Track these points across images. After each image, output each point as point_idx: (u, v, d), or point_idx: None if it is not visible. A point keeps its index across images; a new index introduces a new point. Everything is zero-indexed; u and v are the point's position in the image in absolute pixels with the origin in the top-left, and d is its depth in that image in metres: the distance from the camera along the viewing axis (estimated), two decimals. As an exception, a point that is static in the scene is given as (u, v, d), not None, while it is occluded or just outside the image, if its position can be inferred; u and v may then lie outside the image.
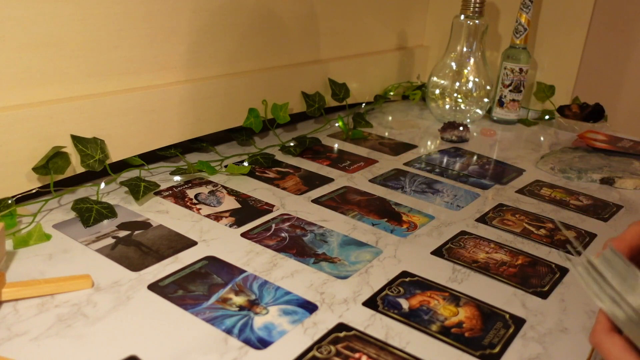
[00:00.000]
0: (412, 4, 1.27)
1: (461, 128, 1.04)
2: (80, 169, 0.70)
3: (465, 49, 1.12)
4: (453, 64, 1.13)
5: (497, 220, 0.73)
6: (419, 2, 1.30)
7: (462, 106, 1.14)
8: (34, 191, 0.67)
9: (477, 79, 1.12)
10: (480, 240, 0.67)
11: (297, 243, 0.64)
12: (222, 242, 0.63)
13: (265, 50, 0.94)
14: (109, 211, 0.67)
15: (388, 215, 0.73)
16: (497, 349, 0.49)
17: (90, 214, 0.65)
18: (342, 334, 0.49)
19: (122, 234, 0.64)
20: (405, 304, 0.54)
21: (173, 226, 0.66)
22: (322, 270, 0.59)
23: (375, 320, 0.51)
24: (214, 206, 0.72)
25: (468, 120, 1.15)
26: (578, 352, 0.49)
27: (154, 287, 0.54)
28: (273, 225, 0.68)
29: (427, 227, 0.70)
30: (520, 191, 0.84)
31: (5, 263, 0.56)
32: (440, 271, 0.60)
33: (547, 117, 1.20)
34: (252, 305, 0.52)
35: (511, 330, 0.51)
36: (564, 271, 0.62)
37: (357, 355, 0.47)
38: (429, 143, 1.03)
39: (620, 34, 1.18)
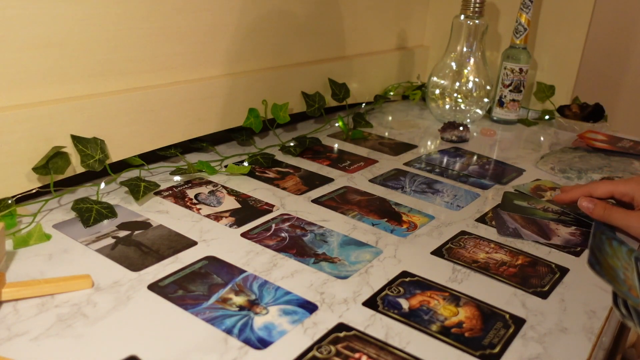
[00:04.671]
0: (412, 4, 1.27)
1: (461, 128, 1.04)
2: (80, 169, 0.70)
3: (465, 49, 1.12)
4: (453, 64, 1.13)
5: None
6: (419, 2, 1.30)
7: (462, 106, 1.14)
8: (34, 191, 0.67)
9: (477, 79, 1.12)
10: (480, 240, 0.67)
11: (297, 243, 0.64)
12: (222, 242, 0.63)
13: (265, 50, 0.94)
14: (109, 211, 0.67)
15: (388, 215, 0.73)
16: (497, 349, 0.49)
17: (90, 214, 0.65)
18: (342, 334, 0.49)
19: (122, 234, 0.64)
20: (405, 304, 0.54)
21: (173, 226, 0.66)
22: (322, 270, 0.59)
23: (375, 320, 0.51)
24: (214, 206, 0.72)
25: (468, 120, 1.15)
26: (578, 352, 0.49)
27: (154, 287, 0.54)
28: (273, 225, 0.68)
29: (427, 227, 0.70)
30: (520, 191, 0.84)
31: (5, 263, 0.56)
32: (440, 271, 0.60)
33: (547, 117, 1.20)
34: (252, 305, 0.52)
35: (511, 330, 0.51)
36: (564, 271, 0.62)
37: (357, 355, 0.47)
38: (429, 143, 1.03)
39: (620, 34, 1.18)
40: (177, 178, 0.79)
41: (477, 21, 1.10)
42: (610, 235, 0.54)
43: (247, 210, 0.71)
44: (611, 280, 0.47)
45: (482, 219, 0.73)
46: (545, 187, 0.84)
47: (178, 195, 0.74)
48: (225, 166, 0.84)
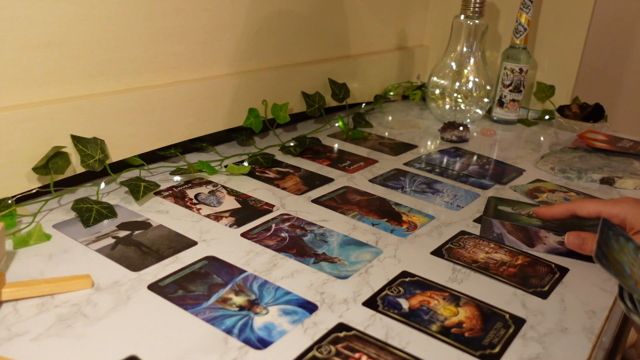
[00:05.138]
0: (412, 4, 1.27)
1: (461, 128, 1.04)
2: (80, 169, 0.70)
3: (465, 49, 1.12)
4: (453, 64, 1.13)
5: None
6: (419, 2, 1.30)
7: (462, 106, 1.14)
8: (34, 191, 0.67)
9: (477, 79, 1.12)
10: (480, 240, 0.67)
11: (297, 243, 0.64)
12: (222, 242, 0.63)
13: (265, 50, 0.94)
14: (109, 211, 0.67)
15: (388, 215, 0.73)
16: (497, 349, 0.49)
17: (90, 214, 0.65)
18: (342, 334, 0.49)
19: (122, 234, 0.63)
20: (405, 304, 0.54)
21: (173, 226, 0.66)
22: (322, 270, 0.59)
23: (375, 320, 0.51)
24: (214, 206, 0.72)
25: (468, 120, 1.15)
26: (578, 352, 0.49)
27: (154, 287, 0.54)
28: (273, 225, 0.68)
29: (427, 227, 0.70)
30: (520, 191, 0.84)
31: (5, 263, 0.56)
32: (440, 271, 0.60)
33: (547, 117, 1.20)
34: (252, 305, 0.52)
35: (511, 330, 0.51)
36: (563, 271, 0.62)
37: (357, 355, 0.47)
38: (429, 143, 1.03)
39: (620, 34, 1.18)
40: (177, 178, 0.79)
41: (477, 21, 1.10)
42: (618, 231, 0.54)
43: (247, 210, 0.71)
44: (617, 274, 0.47)
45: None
46: (544, 189, 0.83)
47: (178, 195, 0.74)
48: (225, 166, 0.84)
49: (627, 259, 0.51)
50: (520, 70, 1.13)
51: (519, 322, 0.53)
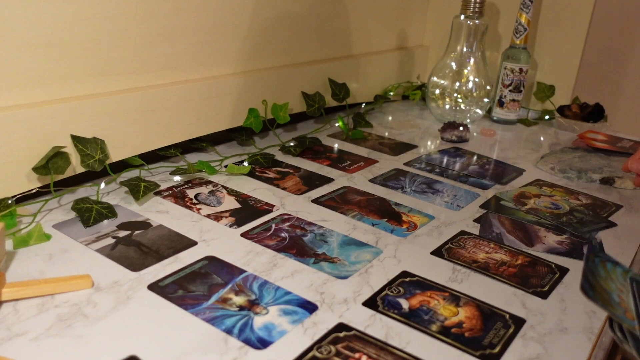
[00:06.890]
0: (412, 4, 1.27)
1: (461, 128, 1.04)
2: (80, 169, 0.70)
3: (465, 49, 1.12)
4: (453, 64, 1.13)
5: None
6: (419, 2, 1.30)
7: (462, 106, 1.14)
8: (34, 191, 0.67)
9: (477, 79, 1.12)
10: (480, 240, 0.67)
11: (297, 243, 0.64)
12: (222, 242, 0.63)
13: (266, 51, 0.94)
14: (109, 211, 0.67)
15: (388, 215, 0.73)
16: (497, 349, 0.49)
17: (90, 214, 0.65)
18: (342, 334, 0.49)
19: (122, 234, 0.64)
20: (405, 304, 0.54)
21: (173, 226, 0.66)
22: (322, 270, 0.59)
23: (375, 320, 0.51)
24: (214, 206, 0.72)
25: (468, 120, 1.15)
26: (578, 352, 0.49)
27: (154, 287, 0.54)
28: (273, 225, 0.68)
29: (427, 227, 0.70)
30: (520, 191, 0.83)
31: (5, 263, 0.56)
32: (440, 271, 0.60)
33: (547, 117, 1.20)
34: (252, 305, 0.52)
35: (511, 330, 0.51)
36: (563, 271, 0.62)
37: (357, 355, 0.47)
38: (429, 143, 1.03)
39: (620, 34, 1.18)
40: (177, 178, 0.79)
41: (477, 21, 1.10)
42: (605, 257, 0.52)
43: (247, 210, 0.71)
44: (606, 304, 0.46)
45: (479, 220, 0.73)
46: (529, 194, 0.82)
47: (178, 195, 0.74)
48: (225, 166, 0.84)
49: (615, 286, 0.49)
50: (520, 70, 1.13)
51: (519, 322, 0.53)
